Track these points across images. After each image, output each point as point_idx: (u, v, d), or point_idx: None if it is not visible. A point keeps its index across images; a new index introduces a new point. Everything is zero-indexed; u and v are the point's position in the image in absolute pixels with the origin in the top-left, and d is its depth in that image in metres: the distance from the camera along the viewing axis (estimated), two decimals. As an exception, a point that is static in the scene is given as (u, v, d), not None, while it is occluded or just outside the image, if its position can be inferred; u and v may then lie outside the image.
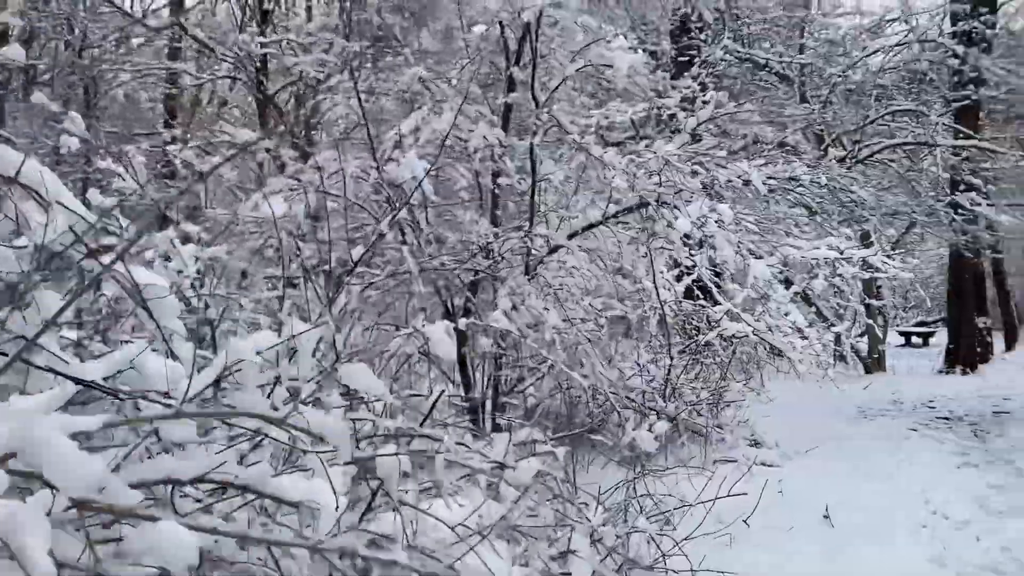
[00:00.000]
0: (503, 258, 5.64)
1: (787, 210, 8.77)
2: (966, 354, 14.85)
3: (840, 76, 10.75)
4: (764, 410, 8.96)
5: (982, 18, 11.47)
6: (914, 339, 24.69)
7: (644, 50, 11.82)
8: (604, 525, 3.68)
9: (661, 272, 7.36)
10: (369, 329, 5.89)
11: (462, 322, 4.18)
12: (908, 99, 11.88)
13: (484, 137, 5.33)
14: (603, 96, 8.14)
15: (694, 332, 8.26)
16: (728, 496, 5.00)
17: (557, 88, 5.38)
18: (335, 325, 2.62)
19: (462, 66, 5.58)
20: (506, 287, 5.30)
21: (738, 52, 10.79)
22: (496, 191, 5.72)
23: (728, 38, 10.01)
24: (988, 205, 9.87)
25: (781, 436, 7.74)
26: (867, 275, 8.07)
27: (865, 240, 10.62)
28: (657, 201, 5.10)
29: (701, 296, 8.17)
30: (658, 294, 6.77)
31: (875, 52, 11.40)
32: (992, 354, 17.33)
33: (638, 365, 7.68)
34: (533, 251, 5.81)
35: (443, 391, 3.08)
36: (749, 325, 6.65)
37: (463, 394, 6.46)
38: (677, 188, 5.04)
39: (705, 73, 9.34)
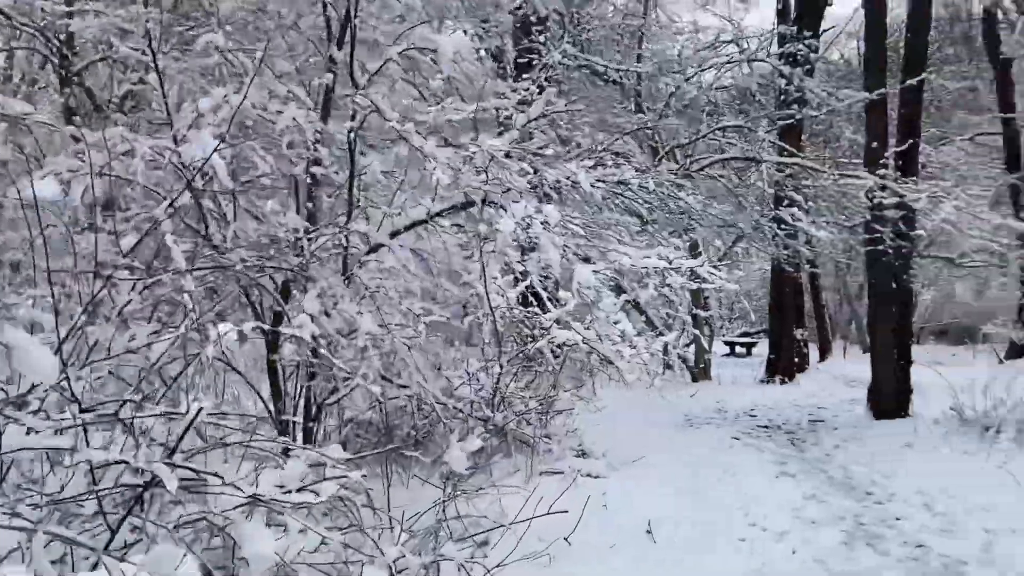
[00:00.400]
0: (316, 257, 5.12)
1: (619, 217, 8.70)
2: (785, 364, 15.63)
3: (675, 89, 10.97)
4: (594, 419, 8.86)
5: (806, 41, 12.11)
6: (738, 349, 25.96)
7: (486, 50, 11.58)
8: (403, 556, 3.26)
9: (495, 277, 7.05)
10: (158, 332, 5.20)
11: (248, 326, 3.62)
12: (737, 116, 12.33)
13: (294, 120, 4.79)
14: (440, 96, 7.76)
15: (529, 339, 8.04)
16: (548, 514, 4.71)
17: (379, 71, 4.92)
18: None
19: (268, 39, 4.99)
20: (316, 288, 4.78)
21: (577, 57, 10.77)
22: (310, 182, 5.18)
23: (568, 42, 9.95)
24: (810, 222, 10.37)
25: (609, 446, 7.62)
26: (695, 286, 8.11)
27: (694, 251, 10.83)
28: (483, 200, 4.74)
29: (536, 303, 7.96)
30: (489, 300, 6.46)
31: (707, 68, 11.74)
32: (808, 364, 18.41)
33: (467, 374, 7.33)
34: (351, 250, 5.32)
35: (200, 408, 2.55)
36: (578, 333, 6.44)
37: (271, 407, 5.87)
38: (505, 187, 4.71)
39: (544, 76, 9.15)
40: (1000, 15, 19.98)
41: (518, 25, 10.64)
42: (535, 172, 4.72)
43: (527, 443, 7.18)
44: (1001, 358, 18.88)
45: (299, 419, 5.86)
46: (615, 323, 7.27)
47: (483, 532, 4.68)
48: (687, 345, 15.74)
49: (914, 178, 9.75)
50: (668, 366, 16.12)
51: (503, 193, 4.65)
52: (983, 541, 5.34)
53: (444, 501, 4.41)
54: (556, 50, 8.88)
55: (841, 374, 19.13)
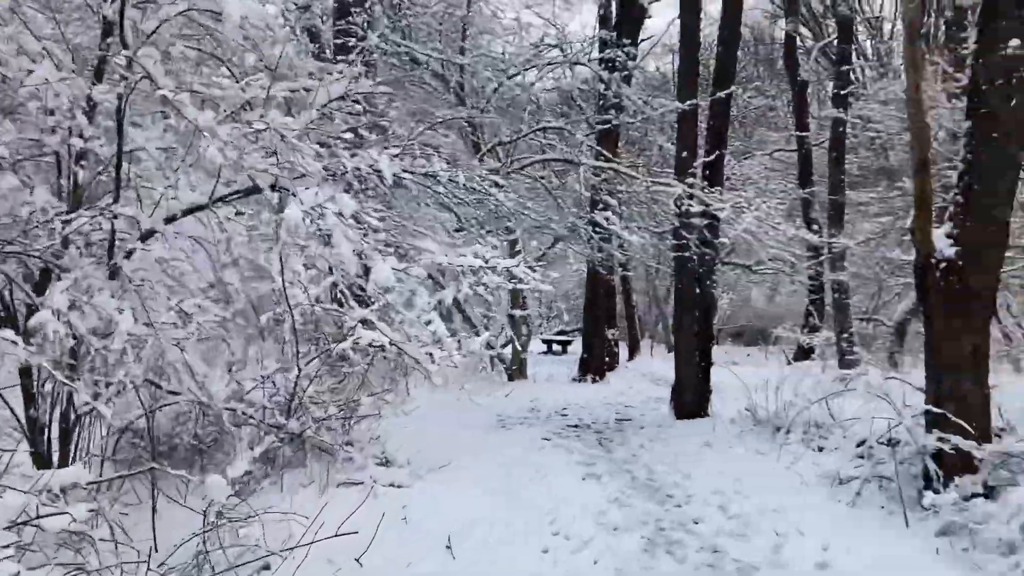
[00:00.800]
0: (72, 243, 4.40)
1: (436, 213, 8.38)
2: (597, 363, 15.98)
3: (497, 85, 10.82)
4: (403, 423, 8.49)
5: (624, 48, 12.37)
6: (555, 347, 26.49)
7: (304, 29, 10.89)
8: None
9: (297, 271, 6.50)
10: None
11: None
12: (558, 119, 12.40)
13: (47, 81, 4.07)
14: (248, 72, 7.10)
15: (339, 339, 7.54)
16: (337, 536, 4.29)
17: (155, 31, 4.28)
18: None
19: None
20: (68, 280, 4.09)
21: (398, 44, 10.34)
22: (68, 156, 4.45)
23: (387, 27, 9.51)
24: (624, 227, 10.56)
25: (416, 451, 7.28)
26: (511, 285, 7.94)
27: (513, 250, 10.73)
28: (273, 186, 4.24)
29: (347, 301, 7.48)
30: (287, 296, 5.93)
31: (530, 68, 11.71)
32: (618, 363, 18.97)
33: (262, 377, 6.73)
34: (118, 236, 4.64)
35: None
36: (384, 335, 6.04)
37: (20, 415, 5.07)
38: (297, 172, 4.23)
39: (362, 60, 8.64)
40: (799, 41, 21.56)
41: (337, 5, 10.07)
42: (334, 157, 4.27)
43: (327, 451, 6.70)
44: (790, 359, 20.34)
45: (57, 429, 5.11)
46: (427, 323, 6.95)
47: (261, 558, 4.18)
48: (504, 345, 15.73)
49: (719, 188, 10.15)
50: (486, 366, 16.17)
51: (295, 179, 4.16)
52: (774, 543, 5.49)
53: (205, 531, 3.86)
54: (375, 33, 8.40)
55: (648, 372, 19.93)
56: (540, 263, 15.97)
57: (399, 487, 6.29)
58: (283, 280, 5.75)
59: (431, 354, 6.61)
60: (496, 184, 10.47)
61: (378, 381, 10.13)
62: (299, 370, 6.54)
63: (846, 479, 6.80)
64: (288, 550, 4.23)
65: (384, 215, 6.56)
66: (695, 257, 10.21)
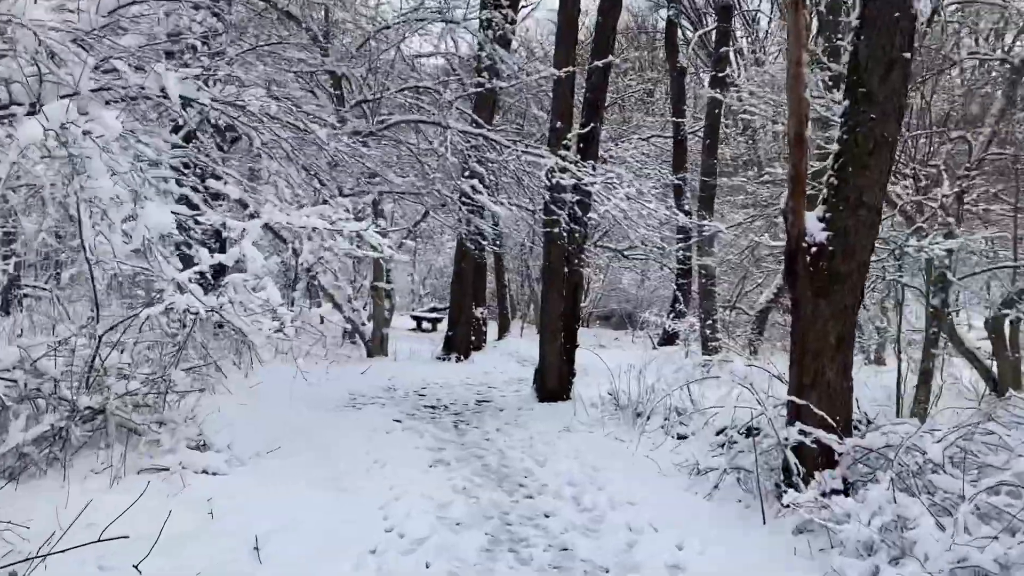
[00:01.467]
0: None
1: (284, 168, 7.51)
2: (462, 341, 15.39)
3: (364, 39, 9.93)
4: (237, 401, 7.64)
5: (503, 10, 11.75)
6: (424, 324, 25.75)
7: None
8: None
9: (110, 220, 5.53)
10: None
11: None
12: (431, 80, 11.64)
13: None
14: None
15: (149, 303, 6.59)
16: (99, 541, 3.49)
17: None
18: None
19: None
20: None
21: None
22: None
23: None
24: (494, 201, 9.96)
25: (242, 434, 6.45)
26: (364, 253, 7.20)
27: (376, 220, 9.91)
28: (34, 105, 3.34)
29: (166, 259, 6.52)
30: (83, 244, 4.99)
31: (404, 21, 10.85)
32: (485, 342, 18.48)
33: (56, 343, 5.75)
34: None
35: None
36: (198, 300, 5.20)
37: None
38: (70, 88, 3.34)
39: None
40: (679, 32, 21.60)
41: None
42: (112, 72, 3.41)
43: (134, 431, 5.78)
44: (655, 344, 20.47)
45: None
46: (256, 289, 6.15)
47: (6, 567, 3.34)
48: (366, 321, 14.90)
49: (592, 162, 9.72)
50: (350, 339, 15.19)
51: (66, 96, 3.29)
52: (627, 541, 5.06)
53: None
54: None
55: (515, 352, 19.54)
56: (410, 237, 15.26)
57: (212, 474, 5.48)
58: (79, 226, 4.81)
59: (259, 324, 5.83)
60: (364, 143, 9.66)
61: (227, 354, 9.17)
62: (99, 337, 5.60)
63: (704, 470, 6.50)
64: (39, 558, 3.39)
65: (209, 162, 5.67)
66: (565, 234, 9.75)
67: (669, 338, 20.50)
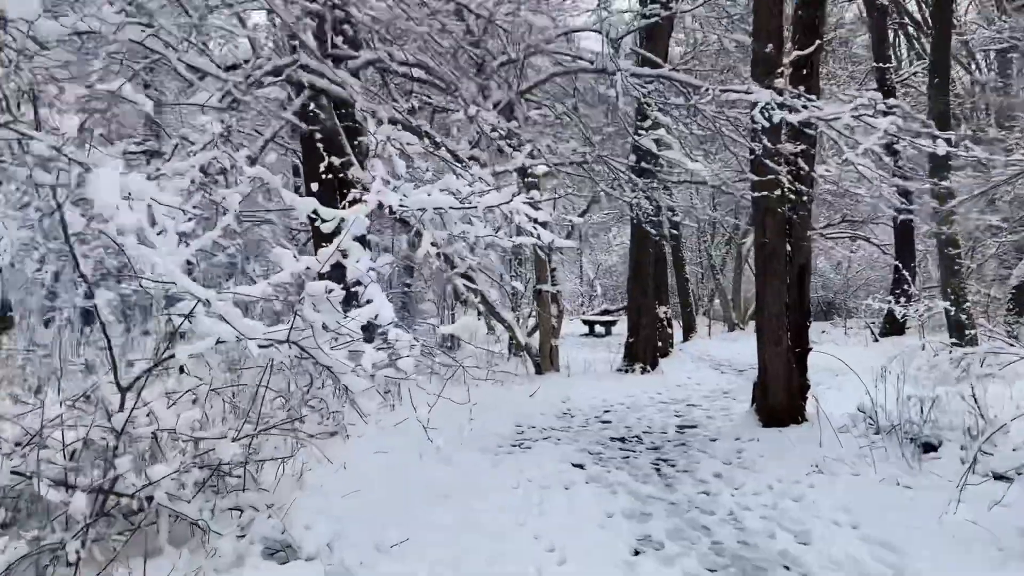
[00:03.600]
0: None
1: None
2: (646, 348, 12.90)
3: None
4: (366, 450, 5.65)
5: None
6: (598, 328, 23.44)
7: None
8: None
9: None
10: None
11: None
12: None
13: None
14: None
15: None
16: None
17: None
18: None
19: None
20: None
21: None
22: None
23: None
24: (684, 153, 7.47)
25: (354, 520, 4.36)
26: (509, 240, 5.00)
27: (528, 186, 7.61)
28: None
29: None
30: (74, 256, 3.07)
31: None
32: (672, 346, 15.93)
33: (67, 402, 3.93)
34: None
35: None
36: (229, 324, 3.16)
37: None
38: None
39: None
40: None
41: None
42: None
43: (195, 523, 3.83)
44: (876, 335, 17.07)
45: None
46: (356, 303, 4.12)
47: None
48: (531, 332, 12.81)
49: (815, 96, 7.02)
50: (516, 353, 13.10)
51: None
52: None
53: None
54: None
55: (708, 355, 16.83)
56: (575, 234, 12.99)
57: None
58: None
59: (348, 361, 3.72)
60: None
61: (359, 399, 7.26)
62: (119, 386, 3.69)
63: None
64: None
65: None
66: (789, 199, 7.12)
67: (895, 327, 17.04)
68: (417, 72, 7.90)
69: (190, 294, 3.12)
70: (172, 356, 3.56)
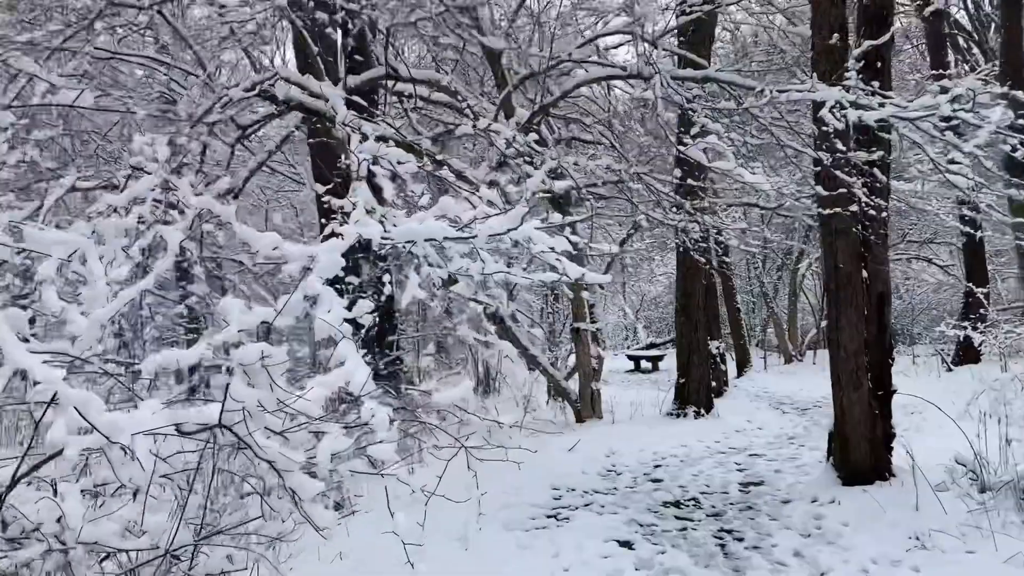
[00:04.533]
0: None
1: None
2: (698, 388, 11.70)
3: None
4: (365, 524, 4.62)
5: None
6: (644, 363, 22.19)
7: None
8: None
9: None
10: None
11: None
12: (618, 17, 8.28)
13: None
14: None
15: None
16: None
17: None
18: None
19: None
20: None
21: None
22: None
23: None
24: (739, 163, 6.37)
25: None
26: (522, 278, 3.99)
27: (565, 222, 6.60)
28: None
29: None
30: None
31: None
32: (727, 384, 14.67)
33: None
34: None
35: None
36: (89, 422, 2.17)
37: None
38: None
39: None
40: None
41: None
42: None
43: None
44: (949, 364, 15.58)
45: None
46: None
47: None
48: (569, 375, 11.72)
49: (889, 92, 5.94)
50: (555, 398, 12.01)
51: None
52: None
53: None
54: None
55: (767, 393, 15.51)
56: (615, 265, 11.89)
57: None
58: None
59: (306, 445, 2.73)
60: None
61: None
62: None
63: None
64: None
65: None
66: (862, 217, 6.00)
67: (970, 355, 15.54)
68: (422, 90, 7.03)
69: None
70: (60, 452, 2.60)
